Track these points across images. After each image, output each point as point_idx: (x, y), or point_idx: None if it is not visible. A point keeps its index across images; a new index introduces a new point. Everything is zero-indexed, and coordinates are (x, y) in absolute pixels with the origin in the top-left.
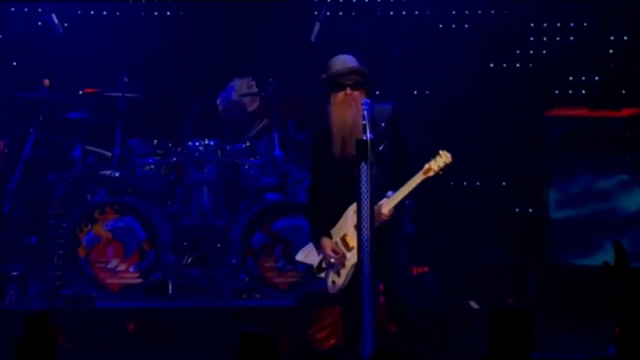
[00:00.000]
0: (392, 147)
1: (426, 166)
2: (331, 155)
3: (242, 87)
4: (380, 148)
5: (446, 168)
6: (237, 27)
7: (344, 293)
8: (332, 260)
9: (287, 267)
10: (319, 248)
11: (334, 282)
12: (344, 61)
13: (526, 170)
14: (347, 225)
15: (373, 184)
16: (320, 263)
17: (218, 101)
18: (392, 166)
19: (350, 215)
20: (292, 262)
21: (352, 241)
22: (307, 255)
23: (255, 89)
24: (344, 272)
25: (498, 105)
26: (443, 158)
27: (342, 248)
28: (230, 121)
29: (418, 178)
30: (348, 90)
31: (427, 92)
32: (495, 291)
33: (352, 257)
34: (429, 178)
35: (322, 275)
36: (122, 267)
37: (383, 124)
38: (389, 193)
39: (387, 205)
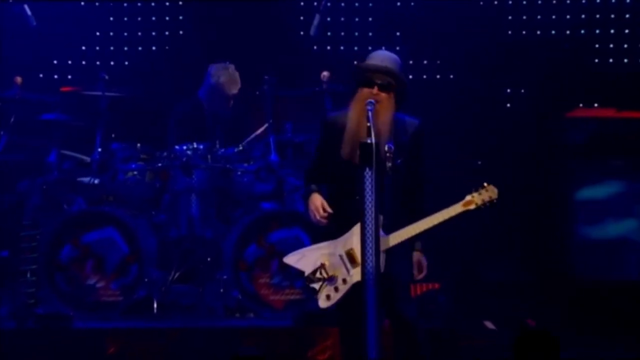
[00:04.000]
0: (409, 162)
1: (468, 198)
2: (339, 154)
3: (218, 70)
4: (398, 162)
5: (490, 204)
6: (228, 21)
7: (344, 313)
8: (317, 218)
9: (284, 283)
10: (308, 204)
11: (328, 297)
12: (382, 58)
13: (546, 177)
14: (355, 239)
15: (380, 194)
16: (315, 271)
17: (200, 95)
18: (404, 183)
19: (359, 228)
20: (289, 278)
21: (359, 257)
22: (300, 260)
23: (232, 71)
24: (343, 289)
25: (515, 105)
26: (489, 192)
27: (347, 263)
28: (216, 116)
29: (455, 209)
30: (375, 90)
31: (438, 89)
32: (513, 310)
33: (355, 275)
34: (467, 211)
35: (315, 286)
36: (102, 283)
37: (406, 138)
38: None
39: (398, 237)
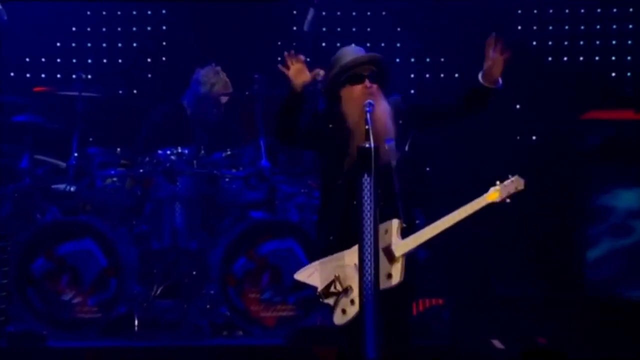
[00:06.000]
0: (413, 117)
1: (492, 190)
2: (340, 162)
3: (208, 76)
4: (407, 148)
5: (516, 195)
6: (215, 16)
7: (344, 334)
8: (291, 64)
9: (276, 299)
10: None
11: (344, 311)
12: (358, 50)
13: (559, 184)
14: None
15: (392, 198)
16: (329, 285)
17: (185, 102)
18: (412, 177)
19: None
20: (281, 293)
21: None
22: (312, 275)
23: (223, 75)
24: (359, 301)
25: (526, 108)
26: (514, 183)
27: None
28: (204, 123)
29: (479, 203)
30: (367, 83)
31: (443, 89)
32: (522, 328)
33: None
34: (492, 204)
35: (329, 301)
36: (78, 299)
37: (398, 116)
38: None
39: (418, 238)
